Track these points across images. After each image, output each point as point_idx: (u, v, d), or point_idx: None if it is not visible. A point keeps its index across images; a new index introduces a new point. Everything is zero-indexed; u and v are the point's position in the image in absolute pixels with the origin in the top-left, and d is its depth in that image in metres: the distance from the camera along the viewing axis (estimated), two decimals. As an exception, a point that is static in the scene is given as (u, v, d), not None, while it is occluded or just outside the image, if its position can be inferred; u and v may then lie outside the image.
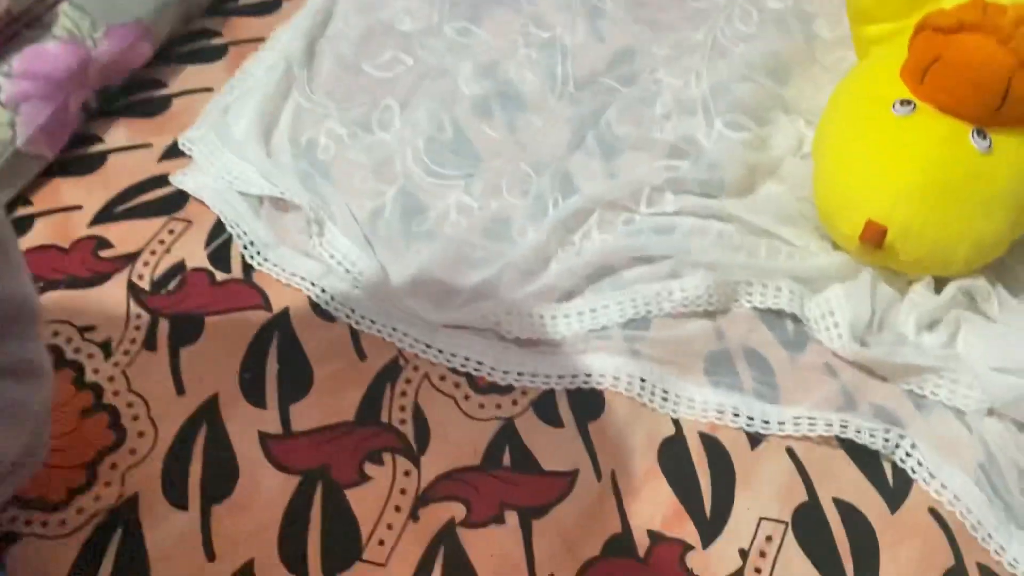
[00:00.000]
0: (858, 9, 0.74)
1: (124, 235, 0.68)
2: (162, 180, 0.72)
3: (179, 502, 0.55)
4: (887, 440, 0.58)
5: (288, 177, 0.70)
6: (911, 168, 0.63)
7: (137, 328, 0.62)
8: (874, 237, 0.62)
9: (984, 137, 0.63)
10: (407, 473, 0.56)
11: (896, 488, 0.57)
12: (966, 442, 0.59)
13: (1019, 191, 0.63)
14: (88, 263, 0.66)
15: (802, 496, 0.57)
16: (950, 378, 0.61)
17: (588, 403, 0.60)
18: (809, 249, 0.68)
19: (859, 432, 0.58)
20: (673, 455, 0.58)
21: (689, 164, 0.73)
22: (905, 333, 0.63)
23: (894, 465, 0.58)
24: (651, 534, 0.55)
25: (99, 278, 0.65)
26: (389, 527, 0.54)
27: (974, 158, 0.62)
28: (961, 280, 0.64)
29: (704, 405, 0.60)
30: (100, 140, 0.75)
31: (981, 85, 0.61)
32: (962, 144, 0.63)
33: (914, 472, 0.58)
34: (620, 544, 0.55)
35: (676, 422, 0.60)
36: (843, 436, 0.58)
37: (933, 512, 0.56)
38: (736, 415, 0.60)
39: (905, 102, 0.65)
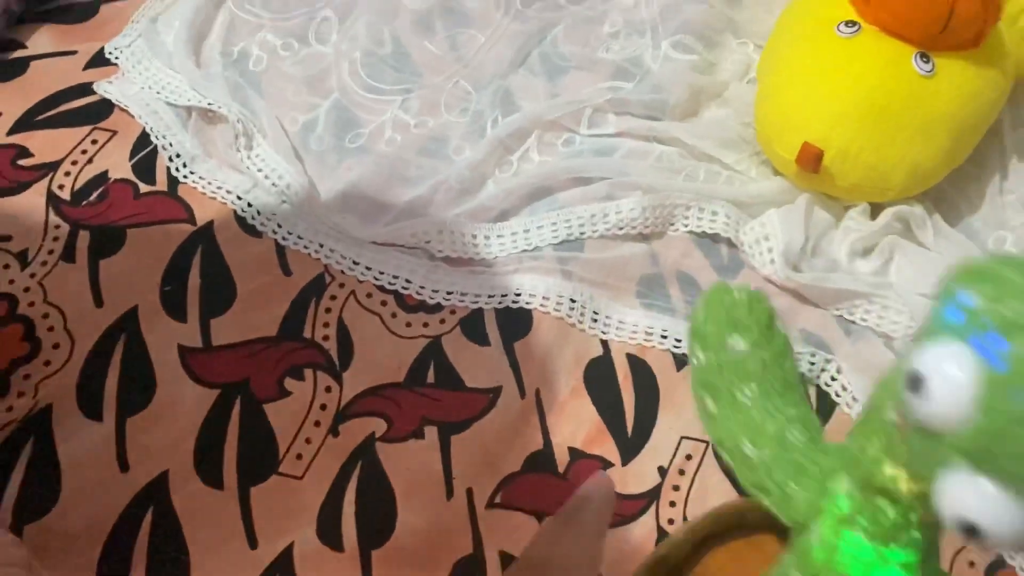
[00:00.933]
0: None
1: (45, 144, 0.65)
2: (87, 89, 0.69)
3: (93, 414, 0.54)
4: (813, 364, 0.58)
5: (218, 88, 0.68)
6: (851, 90, 0.61)
7: (56, 239, 0.61)
8: (810, 160, 0.61)
9: (927, 61, 0.62)
10: (328, 389, 0.56)
11: (820, 411, 0.58)
12: (884, 366, 0.59)
13: (959, 116, 0.62)
14: (6, 172, 0.64)
15: (725, 417, 0.56)
16: (880, 304, 0.61)
17: (516, 322, 0.59)
18: (749, 175, 0.67)
19: (785, 355, 0.57)
20: (599, 375, 0.58)
21: (633, 85, 0.71)
22: (839, 259, 0.63)
23: (819, 388, 0.58)
24: (572, 451, 0.55)
25: (17, 188, 0.63)
26: (307, 441, 0.54)
27: (915, 81, 0.61)
28: (897, 207, 0.64)
29: (634, 328, 0.60)
30: (22, 46, 0.71)
31: (924, 7, 0.60)
32: (904, 67, 0.61)
33: (838, 396, 0.58)
34: (541, 460, 0.54)
35: (604, 343, 0.59)
36: (769, 359, 0.58)
37: (853, 434, 0.57)
38: (664, 336, 0.59)
39: (850, 23, 0.63)
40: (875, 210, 0.65)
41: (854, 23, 0.63)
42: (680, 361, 0.59)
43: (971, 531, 0.22)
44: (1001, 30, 0.65)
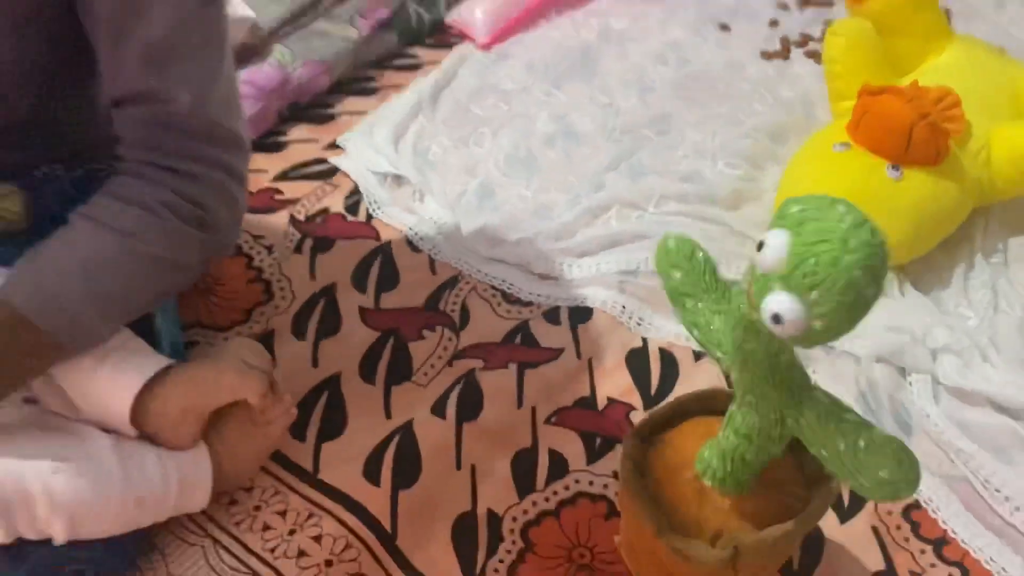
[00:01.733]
0: (833, 89, 1.00)
1: (292, 189, 1.00)
2: (322, 161, 1.04)
3: (300, 337, 0.83)
4: (794, 364, 0.80)
5: (406, 166, 1.02)
6: (839, 185, 0.86)
7: (291, 241, 0.93)
8: (804, 228, 0.85)
9: (897, 170, 0.87)
10: (450, 339, 0.83)
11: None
12: (851, 376, 0.80)
13: (919, 210, 0.86)
14: (266, 202, 0.98)
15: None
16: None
17: (582, 315, 0.85)
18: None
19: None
20: (636, 358, 0.82)
21: (692, 185, 0.99)
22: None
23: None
24: (609, 399, 0.79)
25: (272, 210, 0.97)
26: (432, 366, 0.81)
27: (887, 183, 0.86)
28: (873, 271, 0.86)
29: (667, 331, 0.84)
30: (285, 134, 1.09)
31: (891, 130, 0.86)
32: (879, 173, 0.87)
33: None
34: (586, 401, 0.78)
35: (644, 339, 0.84)
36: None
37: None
38: (688, 339, 0.83)
39: (843, 143, 0.90)
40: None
41: (846, 143, 0.90)
42: (698, 356, 0.82)
43: (776, 319, 0.45)
44: (959, 156, 0.89)
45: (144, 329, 0.69)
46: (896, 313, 0.84)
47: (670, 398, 0.78)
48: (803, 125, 1.09)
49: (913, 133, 0.85)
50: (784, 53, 1.23)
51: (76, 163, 0.73)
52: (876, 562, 0.69)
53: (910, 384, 0.80)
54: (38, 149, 0.71)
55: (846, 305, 0.43)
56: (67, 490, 0.60)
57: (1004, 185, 0.92)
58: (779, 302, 0.46)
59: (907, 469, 0.48)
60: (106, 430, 0.64)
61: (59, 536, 0.61)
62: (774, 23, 1.29)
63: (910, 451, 0.49)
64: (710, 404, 0.65)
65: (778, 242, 0.45)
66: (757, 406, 0.54)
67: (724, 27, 1.28)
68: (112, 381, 0.64)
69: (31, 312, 0.58)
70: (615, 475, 0.72)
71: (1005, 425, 0.77)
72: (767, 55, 1.23)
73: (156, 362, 0.66)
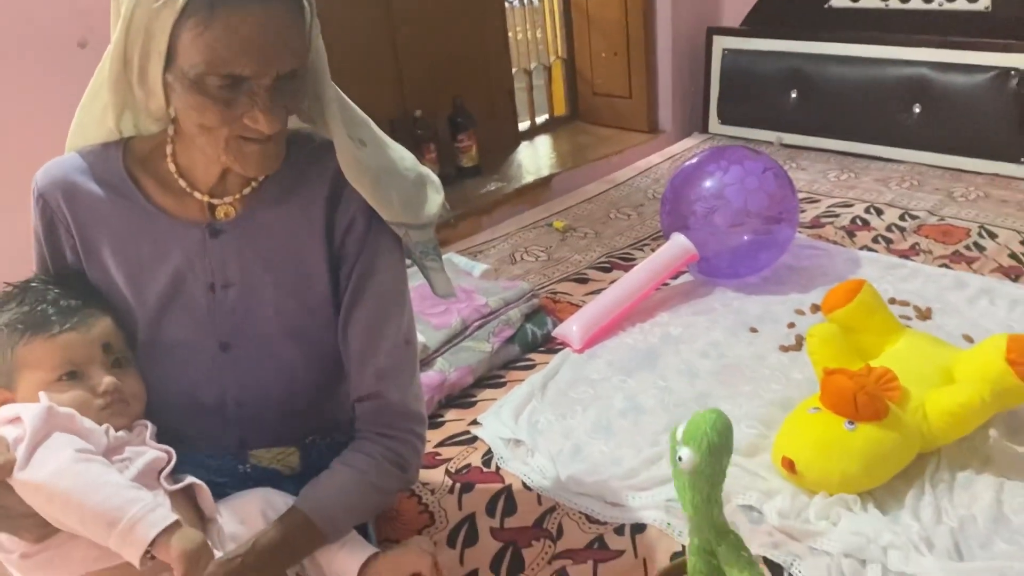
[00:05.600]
0: (816, 372, 1.44)
1: (447, 451, 1.49)
2: (467, 432, 1.54)
3: (452, 547, 1.27)
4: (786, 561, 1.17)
5: (523, 432, 1.50)
6: (811, 436, 1.28)
7: (445, 485, 1.40)
8: (788, 465, 1.26)
9: (852, 424, 1.27)
10: (550, 546, 1.25)
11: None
12: (826, 566, 1.16)
13: (868, 452, 1.25)
14: (430, 461, 1.47)
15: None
16: (825, 536, 1.19)
17: (639, 528, 1.26)
18: (770, 480, 1.32)
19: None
20: (677, 558, 1.21)
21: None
22: (808, 517, 1.23)
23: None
24: (655, 582, 1.17)
25: (433, 467, 1.45)
26: (538, 563, 1.22)
27: (844, 434, 1.27)
28: (842, 495, 1.24)
29: (698, 540, 1.24)
30: (442, 416, 1.60)
31: (841, 397, 1.28)
32: (838, 426, 1.27)
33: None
34: (640, 584, 1.17)
35: (683, 545, 1.23)
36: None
37: (800, 591, 1.13)
38: (711, 543, 1.22)
39: (815, 407, 1.32)
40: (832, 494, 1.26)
41: (817, 407, 1.32)
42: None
43: (680, 460, 0.90)
44: (900, 414, 1.29)
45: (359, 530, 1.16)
46: (858, 523, 1.20)
47: None
48: (807, 398, 1.51)
49: (857, 399, 1.27)
50: (797, 346, 1.68)
51: (328, 434, 1.24)
52: None
53: (867, 571, 1.15)
54: (307, 426, 1.23)
55: (711, 450, 0.87)
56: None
57: (938, 432, 1.30)
58: (683, 451, 0.89)
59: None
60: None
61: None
62: (791, 325, 1.76)
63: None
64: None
65: (686, 453, 0.90)
66: (700, 543, 0.94)
67: (753, 329, 1.76)
68: (346, 559, 1.10)
69: (314, 518, 1.06)
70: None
71: (934, 598, 1.10)
72: (784, 348, 1.68)
73: (370, 549, 1.11)
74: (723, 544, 0.93)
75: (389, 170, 1.08)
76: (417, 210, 1.10)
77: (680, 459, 0.91)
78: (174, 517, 0.89)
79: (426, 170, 1.16)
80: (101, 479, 0.89)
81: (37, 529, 0.92)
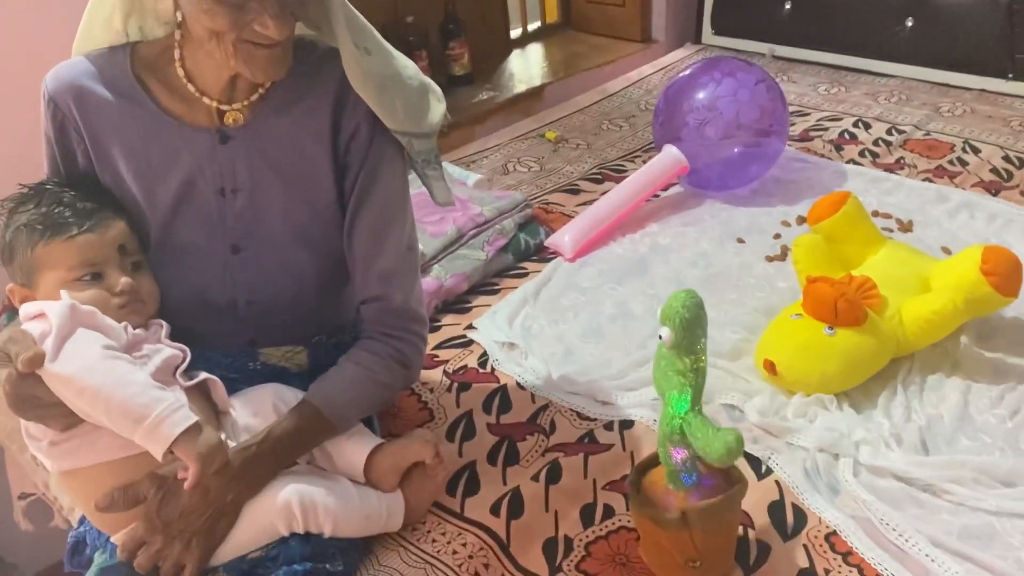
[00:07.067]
0: (799, 280, 1.50)
1: (444, 354, 1.55)
2: (463, 336, 1.60)
3: (451, 440, 1.35)
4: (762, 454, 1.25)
5: (517, 336, 1.56)
6: (793, 341, 1.35)
7: (444, 384, 1.47)
8: (770, 367, 1.33)
9: (832, 329, 1.34)
10: (543, 440, 1.33)
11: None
12: (801, 459, 1.24)
13: (847, 355, 1.32)
14: (428, 363, 1.54)
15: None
16: (801, 433, 1.27)
17: (627, 425, 1.34)
18: (752, 382, 1.39)
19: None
20: (661, 450, 1.29)
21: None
22: (786, 415, 1.31)
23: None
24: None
25: (432, 368, 1.52)
26: (532, 455, 1.30)
27: (824, 339, 1.33)
28: (819, 395, 1.32)
29: (682, 436, 1.32)
30: (439, 320, 1.66)
31: (822, 304, 1.34)
32: (819, 332, 1.34)
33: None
34: (626, 476, 1.25)
35: (667, 440, 1.31)
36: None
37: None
38: (695, 439, 1.30)
39: (797, 313, 1.39)
40: (809, 394, 1.34)
41: (799, 313, 1.38)
42: (701, 449, 1.29)
43: (661, 336, 0.97)
44: (877, 320, 1.36)
45: (365, 424, 1.23)
46: (832, 420, 1.28)
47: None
48: (789, 304, 1.58)
49: (837, 306, 1.33)
50: (782, 257, 1.74)
51: (334, 335, 1.30)
52: (804, 563, 1.10)
53: (839, 464, 1.23)
54: (314, 326, 1.29)
55: (685, 324, 0.94)
56: (332, 505, 1.11)
57: (913, 338, 1.37)
58: (662, 330, 0.96)
59: (734, 447, 0.94)
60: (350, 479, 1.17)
61: (327, 531, 1.11)
62: (777, 236, 1.82)
63: (740, 438, 0.95)
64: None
65: (664, 331, 0.96)
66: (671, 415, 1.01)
67: (740, 240, 1.82)
68: (354, 449, 1.17)
69: (324, 409, 1.12)
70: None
71: (900, 488, 1.18)
72: (769, 258, 1.74)
73: (375, 440, 1.18)
74: (693, 416, 0.99)
75: (393, 78, 1.10)
76: (420, 119, 1.13)
77: (660, 338, 0.98)
78: (195, 418, 0.95)
79: (428, 79, 1.18)
80: (128, 377, 0.94)
81: (64, 419, 0.97)
